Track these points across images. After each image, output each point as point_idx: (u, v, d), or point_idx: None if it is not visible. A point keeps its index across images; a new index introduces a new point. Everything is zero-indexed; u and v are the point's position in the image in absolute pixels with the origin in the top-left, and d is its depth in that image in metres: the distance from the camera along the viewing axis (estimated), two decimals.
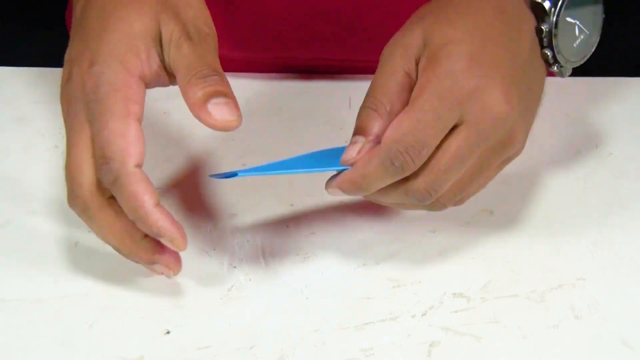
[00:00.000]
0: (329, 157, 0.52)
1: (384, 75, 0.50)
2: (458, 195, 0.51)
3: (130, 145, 0.46)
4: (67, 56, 0.50)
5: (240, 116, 0.47)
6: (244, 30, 0.68)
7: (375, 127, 0.49)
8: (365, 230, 0.57)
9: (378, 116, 0.49)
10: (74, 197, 0.48)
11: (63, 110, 0.49)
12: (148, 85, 0.49)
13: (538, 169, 0.62)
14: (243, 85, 0.70)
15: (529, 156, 0.62)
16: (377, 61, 0.71)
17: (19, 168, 0.62)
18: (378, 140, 0.48)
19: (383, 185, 0.49)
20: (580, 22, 0.54)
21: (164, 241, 0.49)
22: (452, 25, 0.49)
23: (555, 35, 0.52)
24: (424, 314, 0.52)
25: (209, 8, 0.67)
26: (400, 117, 0.48)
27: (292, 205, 0.59)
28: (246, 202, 0.59)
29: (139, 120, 0.47)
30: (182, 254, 0.55)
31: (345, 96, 0.69)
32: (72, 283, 0.54)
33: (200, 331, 0.51)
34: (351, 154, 0.49)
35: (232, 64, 0.71)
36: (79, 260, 0.55)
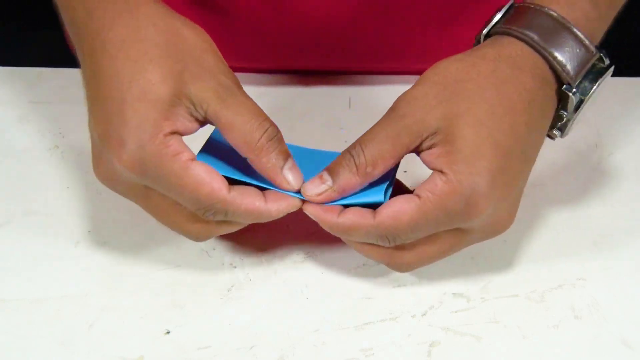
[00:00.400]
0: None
1: (383, 135, 0.48)
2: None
3: (212, 183, 0.48)
4: (90, 124, 0.50)
5: (302, 176, 0.50)
6: (243, 41, 0.68)
7: (349, 182, 0.49)
8: None
9: (356, 174, 0.48)
10: (213, 214, 0.49)
11: (109, 187, 0.51)
12: (187, 135, 0.49)
13: (538, 169, 0.62)
14: (243, 86, 0.69)
15: None
16: (375, 68, 0.71)
17: (19, 168, 0.62)
18: (343, 192, 0.49)
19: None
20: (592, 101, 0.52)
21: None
22: (480, 132, 0.47)
23: (572, 122, 0.52)
24: (424, 314, 0.52)
25: (208, 20, 0.68)
26: (403, 207, 0.48)
27: None
28: None
29: (194, 158, 0.48)
30: (182, 253, 0.56)
31: (345, 96, 0.69)
32: (72, 283, 0.54)
33: (200, 331, 0.51)
34: (313, 190, 0.49)
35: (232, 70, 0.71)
36: (79, 260, 0.55)
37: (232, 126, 0.48)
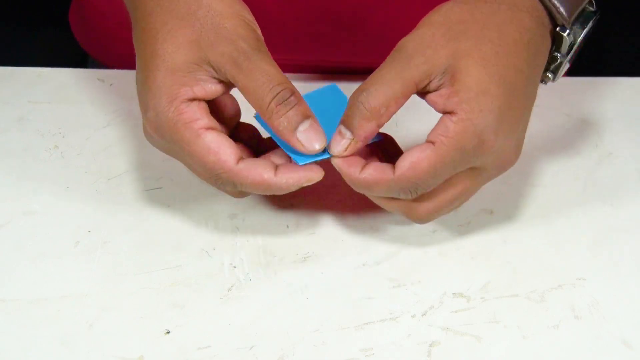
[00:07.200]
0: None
1: (393, 74, 0.49)
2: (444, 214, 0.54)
3: (219, 153, 0.50)
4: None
5: (323, 137, 0.50)
6: None
7: (366, 129, 0.50)
8: (365, 230, 0.57)
9: (370, 120, 0.49)
10: (222, 184, 0.51)
11: (151, 144, 0.54)
12: (210, 98, 0.51)
13: (538, 169, 0.62)
14: None
15: (529, 156, 0.62)
16: (379, 64, 0.72)
17: (19, 168, 0.62)
18: (366, 140, 0.50)
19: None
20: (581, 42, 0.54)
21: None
22: (487, 70, 0.49)
23: (565, 64, 0.54)
24: (424, 314, 0.52)
25: None
26: (419, 156, 0.49)
27: (292, 205, 0.59)
28: (246, 202, 0.59)
29: (210, 127, 0.50)
30: (182, 253, 0.56)
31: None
32: (72, 283, 0.54)
33: (200, 331, 0.51)
34: (339, 149, 0.50)
35: None
36: (79, 260, 0.55)
37: (247, 90, 0.50)
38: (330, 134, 0.51)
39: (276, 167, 0.51)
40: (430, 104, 0.50)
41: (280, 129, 0.50)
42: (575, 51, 0.54)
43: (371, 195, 0.52)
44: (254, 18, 0.52)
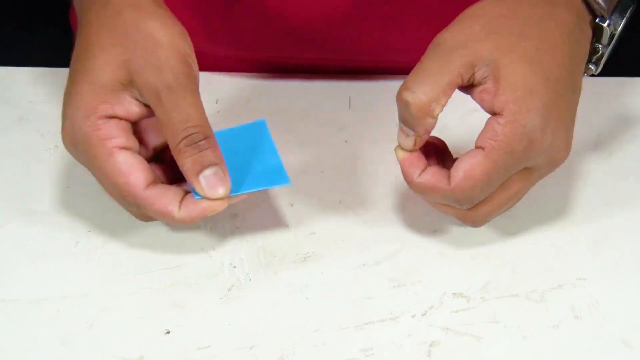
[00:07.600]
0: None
1: (436, 68, 0.49)
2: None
3: (129, 176, 0.50)
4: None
5: (227, 185, 0.50)
6: (244, 29, 0.68)
7: (423, 125, 0.50)
8: (365, 230, 0.57)
9: (425, 117, 0.49)
10: (128, 204, 0.51)
11: (71, 155, 0.53)
12: (133, 119, 0.51)
13: None
14: (243, 85, 0.69)
15: None
16: (377, 62, 0.71)
17: (19, 168, 0.62)
18: (428, 133, 0.51)
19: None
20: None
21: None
22: (531, 67, 0.49)
23: (606, 55, 0.54)
24: (424, 314, 0.52)
25: (210, 5, 0.67)
26: (472, 164, 0.49)
27: (292, 205, 0.59)
28: (246, 202, 0.59)
29: (126, 147, 0.50)
30: (182, 253, 0.56)
31: (345, 96, 0.69)
32: (72, 283, 0.54)
33: (200, 331, 0.51)
34: (409, 144, 0.51)
35: (232, 62, 0.71)
36: (79, 260, 0.55)
37: (163, 124, 0.49)
38: (245, 171, 0.52)
39: (183, 198, 0.50)
40: (477, 102, 0.50)
41: (184, 169, 0.49)
42: (616, 41, 0.54)
43: (426, 199, 0.53)
44: (193, 52, 0.51)
